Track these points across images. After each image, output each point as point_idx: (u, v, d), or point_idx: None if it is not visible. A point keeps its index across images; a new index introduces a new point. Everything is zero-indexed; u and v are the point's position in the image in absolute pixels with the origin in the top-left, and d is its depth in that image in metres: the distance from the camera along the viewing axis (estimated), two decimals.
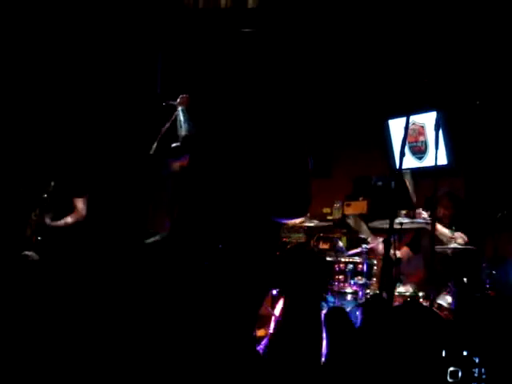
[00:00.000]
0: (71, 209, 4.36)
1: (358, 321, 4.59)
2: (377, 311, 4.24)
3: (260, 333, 4.65)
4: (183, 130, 3.39)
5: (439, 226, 4.67)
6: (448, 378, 3.93)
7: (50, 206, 4.45)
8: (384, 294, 3.88)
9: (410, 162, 5.72)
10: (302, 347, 3.66)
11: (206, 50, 5.44)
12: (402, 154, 3.41)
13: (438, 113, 5.11)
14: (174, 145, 3.34)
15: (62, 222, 4.36)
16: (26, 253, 4.40)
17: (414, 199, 5.19)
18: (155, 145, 3.51)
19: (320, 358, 3.94)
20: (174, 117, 3.62)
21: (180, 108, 3.47)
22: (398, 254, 4.72)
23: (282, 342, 3.86)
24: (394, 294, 3.99)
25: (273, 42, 5.53)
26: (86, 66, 5.49)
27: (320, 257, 4.74)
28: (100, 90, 5.45)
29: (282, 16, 5.50)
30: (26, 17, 5.32)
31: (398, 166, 3.81)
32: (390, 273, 3.72)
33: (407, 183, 5.23)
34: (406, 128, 3.45)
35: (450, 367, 3.95)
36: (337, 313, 4.36)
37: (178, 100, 3.65)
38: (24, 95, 5.36)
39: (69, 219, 4.29)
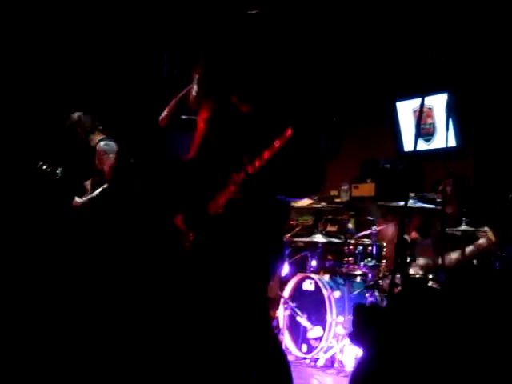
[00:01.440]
0: (83, 191, 4.33)
1: (367, 302, 4.61)
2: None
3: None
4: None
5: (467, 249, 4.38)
6: None
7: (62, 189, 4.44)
8: (398, 276, 3.89)
9: (418, 144, 5.67)
10: None
11: (212, 33, 5.37)
12: (418, 136, 3.38)
13: (449, 94, 5.10)
14: (184, 117, 3.20)
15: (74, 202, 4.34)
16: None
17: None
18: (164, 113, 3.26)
19: None
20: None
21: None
22: (407, 238, 4.70)
23: None
24: (408, 275, 3.98)
25: (280, 23, 5.47)
26: (90, 50, 5.43)
27: None
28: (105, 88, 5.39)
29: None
30: (26, 16, 5.25)
31: (410, 148, 3.76)
32: (404, 254, 3.71)
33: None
34: (421, 109, 3.41)
35: None
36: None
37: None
38: (27, 89, 5.30)
39: (78, 200, 4.25)
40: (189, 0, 5.58)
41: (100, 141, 4.33)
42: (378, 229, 4.79)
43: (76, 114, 4.42)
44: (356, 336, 3.74)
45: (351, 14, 5.78)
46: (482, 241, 4.37)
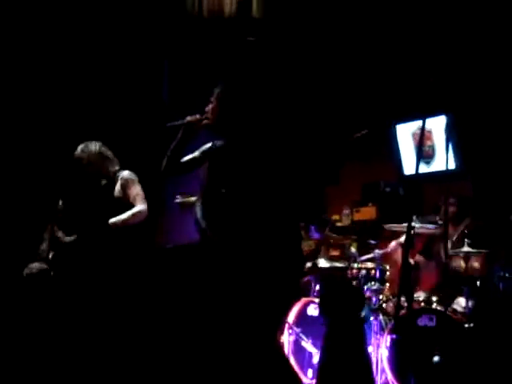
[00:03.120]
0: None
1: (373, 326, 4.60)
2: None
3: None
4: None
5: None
6: None
7: (61, 223, 4.44)
8: (402, 299, 3.90)
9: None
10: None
11: (211, 58, 5.45)
12: (419, 157, 3.42)
13: (448, 117, 5.16)
14: (186, 158, 3.21)
15: (72, 238, 4.34)
16: (30, 265, 4.37)
17: None
18: (165, 161, 3.27)
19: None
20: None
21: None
22: (412, 261, 4.73)
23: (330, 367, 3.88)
24: (413, 298, 3.99)
25: (277, 50, 5.55)
26: (90, 76, 5.48)
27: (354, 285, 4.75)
28: (106, 100, 5.44)
29: (287, 24, 5.51)
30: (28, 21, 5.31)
31: (410, 171, 3.82)
32: (409, 278, 3.72)
33: None
34: (422, 130, 3.46)
35: None
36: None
37: (188, 118, 3.18)
38: (28, 109, 5.35)
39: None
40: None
41: (120, 170, 4.33)
42: (381, 252, 4.80)
43: (96, 146, 4.37)
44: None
45: (352, 38, 5.86)
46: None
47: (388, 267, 4.83)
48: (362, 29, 5.85)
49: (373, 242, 5.11)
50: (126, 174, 4.31)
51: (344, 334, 3.93)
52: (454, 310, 4.44)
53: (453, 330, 4.27)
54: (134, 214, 4.18)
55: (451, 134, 4.87)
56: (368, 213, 5.58)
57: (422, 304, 4.46)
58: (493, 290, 4.62)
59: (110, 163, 4.34)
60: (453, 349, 4.22)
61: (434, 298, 4.48)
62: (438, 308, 4.39)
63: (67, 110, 5.25)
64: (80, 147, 4.34)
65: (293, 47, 5.46)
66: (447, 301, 4.43)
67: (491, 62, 5.33)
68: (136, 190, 4.25)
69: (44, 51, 5.24)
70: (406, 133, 5.87)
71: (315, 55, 5.93)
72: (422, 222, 4.67)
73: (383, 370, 4.41)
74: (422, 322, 4.40)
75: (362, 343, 3.99)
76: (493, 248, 4.63)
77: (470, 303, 4.31)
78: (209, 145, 3.07)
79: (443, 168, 5.34)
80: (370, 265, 4.94)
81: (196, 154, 3.12)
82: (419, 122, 5.60)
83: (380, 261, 4.82)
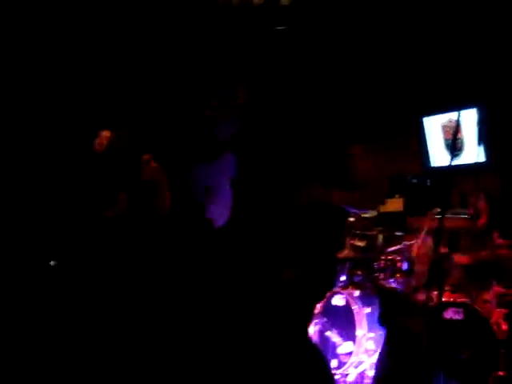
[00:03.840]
0: None
1: None
2: None
3: None
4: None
5: None
6: None
7: None
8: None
9: (446, 158, 5.67)
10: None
11: (240, 47, 5.43)
12: (454, 149, 3.39)
13: (480, 110, 5.10)
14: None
15: None
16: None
17: None
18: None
19: None
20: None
21: None
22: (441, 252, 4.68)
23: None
24: (443, 290, 3.98)
25: (307, 40, 5.52)
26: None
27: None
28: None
29: (315, 13, 5.47)
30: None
31: (438, 163, 3.78)
32: (440, 269, 3.70)
33: None
34: (458, 123, 3.44)
35: None
36: None
37: None
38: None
39: None
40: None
41: None
42: (408, 243, 4.77)
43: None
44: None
45: (380, 32, 5.80)
46: None
47: (415, 259, 4.81)
48: (389, 22, 5.79)
49: (399, 233, 5.08)
50: None
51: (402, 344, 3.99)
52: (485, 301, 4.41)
53: (480, 324, 4.26)
54: None
55: (482, 127, 4.82)
56: (395, 204, 5.55)
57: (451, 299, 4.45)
58: None
59: None
60: (480, 343, 4.20)
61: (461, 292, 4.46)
62: (466, 301, 4.37)
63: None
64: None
65: (319, 37, 5.42)
66: (475, 293, 4.41)
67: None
68: None
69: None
70: (435, 125, 5.80)
71: (342, 47, 5.90)
72: (451, 214, 4.65)
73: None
74: (449, 314, 4.38)
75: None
76: None
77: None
78: None
79: (472, 161, 5.31)
80: (396, 256, 4.93)
81: None
82: (450, 115, 5.53)
83: (407, 253, 4.80)
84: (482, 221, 4.64)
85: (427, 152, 5.88)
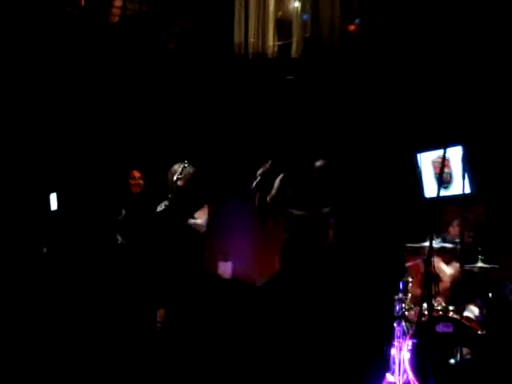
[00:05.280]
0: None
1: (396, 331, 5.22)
2: None
3: None
4: None
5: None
6: None
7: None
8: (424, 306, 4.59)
9: (435, 190, 6.35)
10: None
11: (255, 96, 6.13)
12: (440, 182, 4.08)
13: (464, 147, 5.82)
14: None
15: None
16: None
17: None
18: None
19: None
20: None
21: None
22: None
23: None
24: (433, 307, 4.67)
25: (313, 88, 6.21)
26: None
27: None
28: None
29: (322, 62, 6.16)
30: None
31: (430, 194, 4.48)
32: (430, 288, 4.38)
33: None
34: (444, 158, 4.11)
35: None
36: None
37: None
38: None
39: None
40: None
41: None
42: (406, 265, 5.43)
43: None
44: None
45: (376, 84, 6.47)
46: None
47: (410, 279, 5.46)
48: (385, 63, 6.50)
49: None
50: None
51: None
52: (468, 318, 5.09)
53: (468, 336, 4.93)
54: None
55: (466, 162, 5.52)
56: None
57: (440, 313, 5.11)
58: (503, 302, 5.27)
59: None
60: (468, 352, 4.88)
61: (451, 308, 5.14)
62: (455, 316, 5.06)
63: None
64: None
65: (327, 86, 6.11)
66: (461, 309, 5.10)
67: (504, 97, 5.97)
68: None
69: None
70: (425, 161, 6.51)
71: (344, 88, 6.57)
72: (442, 241, 5.36)
73: (405, 371, 4.98)
74: (440, 328, 5.03)
75: None
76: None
77: (482, 311, 4.96)
78: None
79: (460, 192, 5.99)
80: None
81: None
82: (438, 152, 6.23)
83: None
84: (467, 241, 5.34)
85: (421, 185, 6.57)
